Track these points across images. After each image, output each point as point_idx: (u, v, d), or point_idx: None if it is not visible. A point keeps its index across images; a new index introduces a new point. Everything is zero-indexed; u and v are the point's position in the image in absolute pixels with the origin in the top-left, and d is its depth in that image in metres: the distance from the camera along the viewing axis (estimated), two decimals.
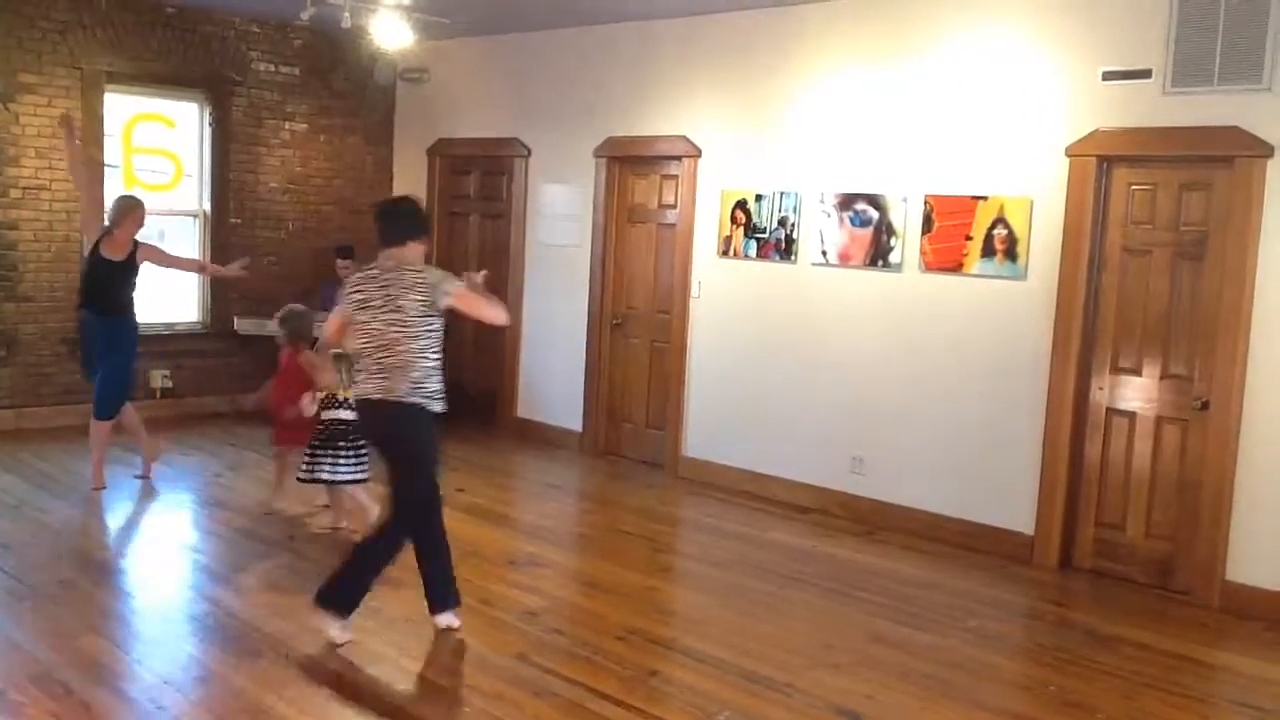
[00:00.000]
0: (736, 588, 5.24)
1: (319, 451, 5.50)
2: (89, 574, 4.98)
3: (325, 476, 5.53)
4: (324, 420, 5.51)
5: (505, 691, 3.89)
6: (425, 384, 4.16)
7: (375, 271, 4.23)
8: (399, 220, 4.30)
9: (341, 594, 4.22)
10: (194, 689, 3.82)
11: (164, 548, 5.46)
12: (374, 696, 3.84)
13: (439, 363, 4.23)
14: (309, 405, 5.53)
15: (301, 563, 5.21)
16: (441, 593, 4.41)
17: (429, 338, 4.17)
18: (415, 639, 4.35)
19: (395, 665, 4.09)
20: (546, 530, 6.07)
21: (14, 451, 6.87)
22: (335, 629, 4.19)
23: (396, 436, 4.23)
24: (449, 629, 4.39)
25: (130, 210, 6.25)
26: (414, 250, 4.25)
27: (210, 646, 4.22)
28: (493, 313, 4.31)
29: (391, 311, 4.12)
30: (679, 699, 3.93)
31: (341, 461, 5.48)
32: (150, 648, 4.13)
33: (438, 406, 4.22)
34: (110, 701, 3.69)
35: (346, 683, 3.92)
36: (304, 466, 5.55)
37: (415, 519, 4.32)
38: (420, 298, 4.12)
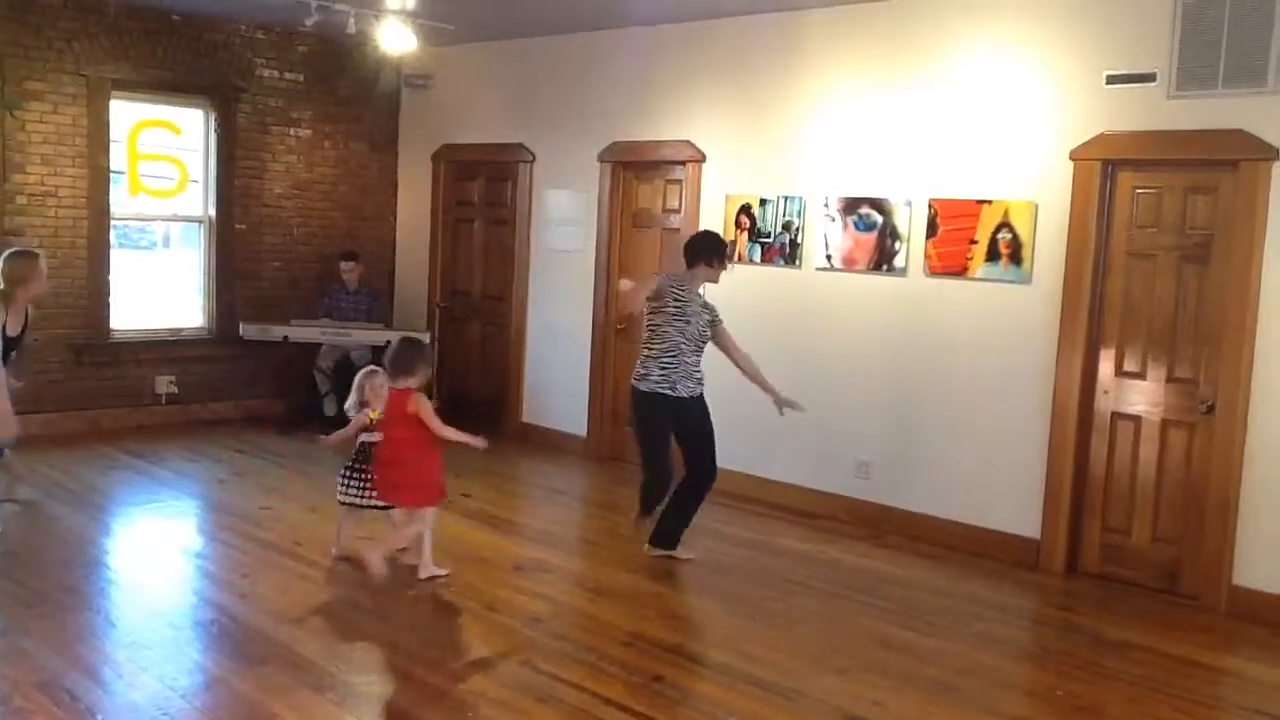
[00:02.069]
0: (742, 593, 5.23)
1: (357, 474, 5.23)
2: (94, 580, 4.98)
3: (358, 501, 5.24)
4: (364, 444, 5.22)
5: (510, 697, 3.89)
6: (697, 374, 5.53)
7: (681, 293, 5.45)
8: (696, 247, 5.57)
9: (667, 534, 5.61)
10: (199, 695, 3.82)
11: (169, 554, 5.47)
12: (379, 702, 3.83)
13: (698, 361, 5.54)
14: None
15: (308, 569, 5.22)
16: (668, 533, 5.63)
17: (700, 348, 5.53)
18: (421, 643, 4.35)
19: (401, 671, 4.09)
20: (551, 535, 6.07)
21: (20, 458, 6.87)
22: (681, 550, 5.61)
23: (694, 416, 5.54)
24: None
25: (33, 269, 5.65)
26: (705, 273, 5.55)
27: (216, 653, 4.23)
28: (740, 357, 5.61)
29: (683, 322, 5.43)
30: (684, 705, 3.93)
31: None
32: (156, 654, 4.13)
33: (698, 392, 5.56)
34: (116, 708, 3.69)
35: (351, 689, 3.92)
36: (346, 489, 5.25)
37: (710, 474, 5.62)
38: (708, 318, 5.52)
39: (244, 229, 8.55)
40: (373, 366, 5.49)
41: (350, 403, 5.36)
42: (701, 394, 5.56)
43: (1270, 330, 5.08)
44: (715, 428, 5.65)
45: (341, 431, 5.33)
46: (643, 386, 5.47)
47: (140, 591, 4.95)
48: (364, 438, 5.24)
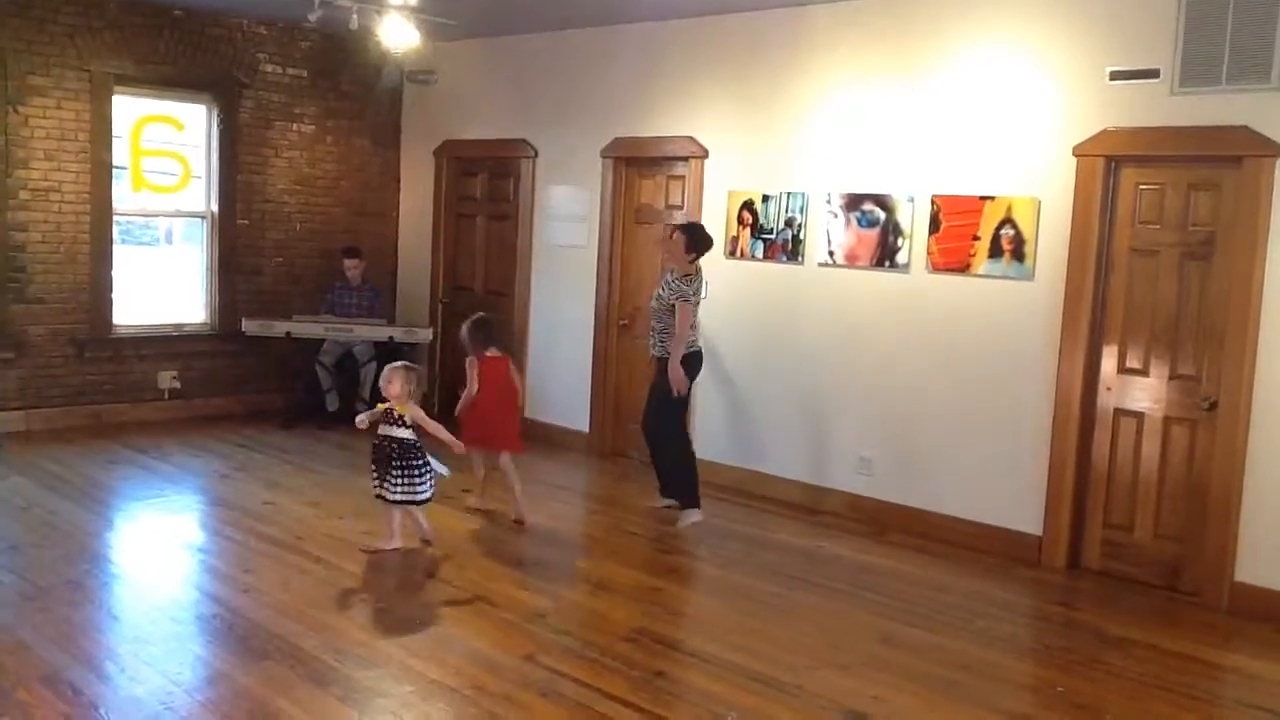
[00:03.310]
0: (743, 588, 5.23)
1: (380, 469, 5.38)
2: (97, 575, 4.99)
3: (387, 496, 5.36)
4: (379, 436, 5.37)
5: (513, 692, 3.90)
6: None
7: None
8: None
9: (689, 494, 6.21)
10: (202, 690, 3.83)
11: (172, 549, 5.48)
12: (382, 697, 3.84)
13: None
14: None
15: (309, 564, 5.22)
16: (673, 491, 6.32)
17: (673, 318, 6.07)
18: (423, 640, 4.36)
19: (403, 666, 4.09)
20: (553, 531, 6.08)
21: (22, 453, 6.89)
22: (697, 515, 6.18)
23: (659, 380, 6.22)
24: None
25: None
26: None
27: (218, 648, 4.24)
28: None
29: (660, 299, 6.14)
30: (686, 700, 3.93)
31: (391, 481, 5.32)
32: (158, 649, 4.14)
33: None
34: (119, 702, 3.70)
35: (354, 684, 3.93)
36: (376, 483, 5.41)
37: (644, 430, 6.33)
38: (669, 294, 6.05)
39: (246, 224, 8.55)
40: (405, 362, 5.64)
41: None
42: (659, 358, 6.15)
43: (1273, 327, 5.07)
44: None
45: (371, 412, 5.46)
46: None
47: (143, 586, 4.95)
48: (385, 430, 5.35)
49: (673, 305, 6.00)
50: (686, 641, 4.53)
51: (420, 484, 5.35)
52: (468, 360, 6.09)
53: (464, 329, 6.08)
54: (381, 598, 4.86)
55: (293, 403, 8.38)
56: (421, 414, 5.38)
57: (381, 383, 5.40)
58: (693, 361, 6.14)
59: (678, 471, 6.25)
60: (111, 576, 5.04)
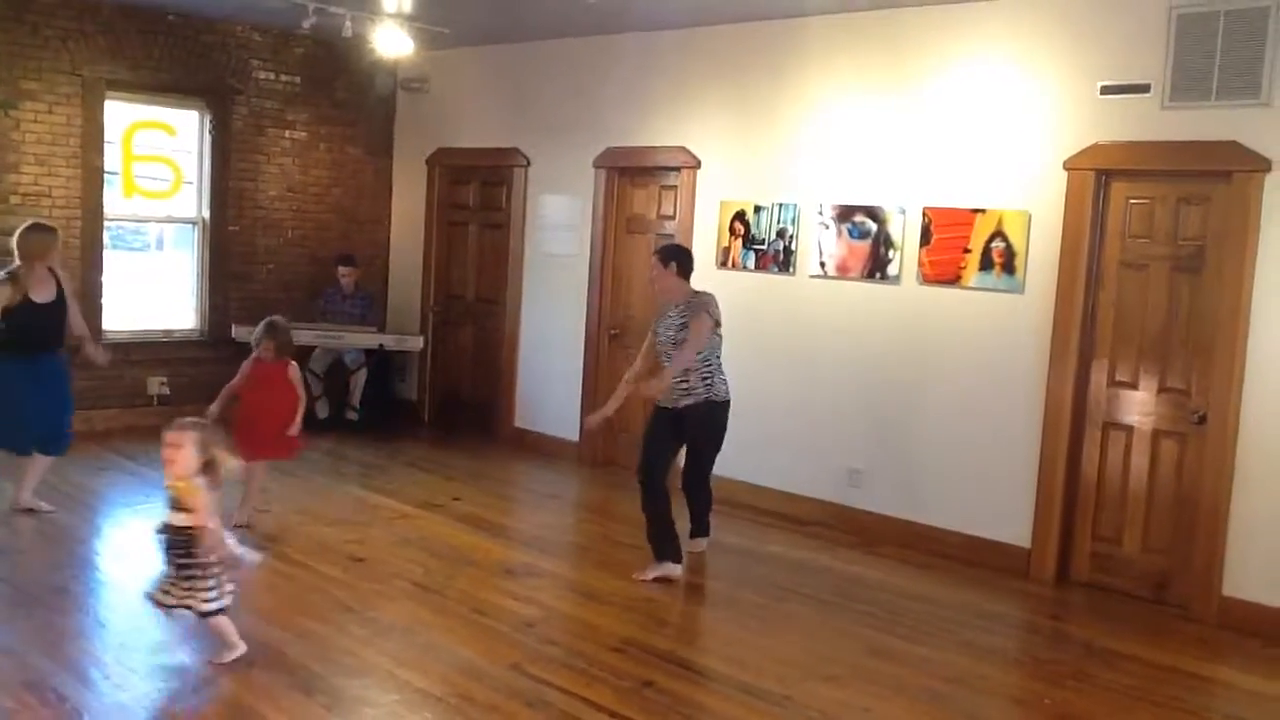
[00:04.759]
0: (733, 600, 5.23)
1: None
2: (84, 581, 4.97)
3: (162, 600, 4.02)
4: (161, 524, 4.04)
5: (500, 702, 3.88)
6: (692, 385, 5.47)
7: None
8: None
9: (666, 546, 5.38)
10: (188, 697, 3.81)
11: (159, 555, 5.44)
12: (368, 706, 3.82)
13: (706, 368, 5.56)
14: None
15: (296, 571, 5.20)
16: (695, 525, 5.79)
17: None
18: (410, 648, 4.34)
19: (389, 675, 4.08)
20: (543, 540, 6.06)
21: (11, 458, 6.84)
22: (677, 569, 5.39)
23: (683, 426, 5.56)
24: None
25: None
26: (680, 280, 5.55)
27: (204, 655, 4.21)
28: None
29: (657, 334, 5.59)
30: (674, 711, 3.92)
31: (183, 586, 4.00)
32: (144, 655, 4.12)
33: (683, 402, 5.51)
34: (104, 709, 3.68)
35: (340, 692, 3.91)
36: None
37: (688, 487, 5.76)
38: (678, 322, 5.47)
39: (238, 231, 8.53)
40: (192, 419, 4.35)
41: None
42: (689, 405, 5.44)
43: (1262, 341, 5.09)
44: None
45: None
46: None
47: (129, 593, 4.91)
48: (170, 518, 4.01)
49: (677, 337, 5.40)
50: (676, 652, 4.52)
51: (206, 586, 3.98)
52: (289, 367, 5.83)
53: (268, 334, 5.74)
54: (366, 606, 4.84)
55: None
56: (206, 501, 4.00)
57: (168, 450, 4.05)
58: (723, 411, 5.61)
59: (660, 525, 5.39)
60: (98, 583, 5.02)
